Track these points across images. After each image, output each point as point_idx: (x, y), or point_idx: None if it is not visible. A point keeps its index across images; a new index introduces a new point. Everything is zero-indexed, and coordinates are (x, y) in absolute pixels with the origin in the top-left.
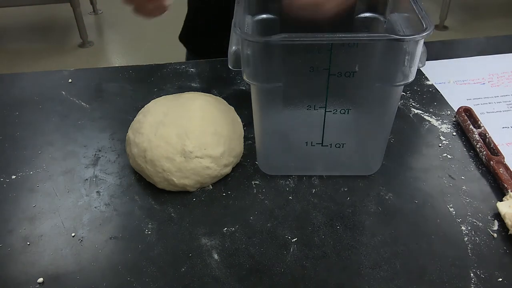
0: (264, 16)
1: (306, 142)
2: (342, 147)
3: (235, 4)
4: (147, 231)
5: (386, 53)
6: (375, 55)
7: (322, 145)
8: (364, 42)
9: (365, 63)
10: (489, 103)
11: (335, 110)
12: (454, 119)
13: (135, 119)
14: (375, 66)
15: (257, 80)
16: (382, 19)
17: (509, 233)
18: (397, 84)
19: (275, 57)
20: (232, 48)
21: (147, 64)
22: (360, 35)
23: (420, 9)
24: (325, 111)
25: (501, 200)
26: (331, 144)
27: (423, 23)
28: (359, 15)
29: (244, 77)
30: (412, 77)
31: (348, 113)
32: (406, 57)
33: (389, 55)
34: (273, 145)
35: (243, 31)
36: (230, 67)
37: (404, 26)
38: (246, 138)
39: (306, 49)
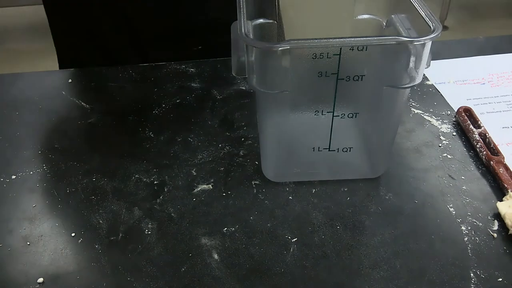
0: (261, 20)
1: (313, 148)
2: (349, 151)
3: (237, 10)
4: (147, 231)
5: (394, 56)
6: (384, 58)
7: (329, 150)
8: (374, 45)
9: (374, 66)
10: (489, 103)
11: (342, 115)
12: (454, 119)
13: None
14: (383, 68)
15: (263, 87)
16: (381, 20)
17: (509, 233)
18: (405, 86)
19: (282, 63)
20: (236, 55)
21: (147, 64)
22: (370, 38)
23: (426, 10)
24: (333, 116)
25: (501, 200)
26: (338, 149)
27: (431, 24)
28: (358, 17)
29: (249, 84)
30: (419, 79)
31: (355, 117)
32: (414, 59)
33: (397, 57)
34: (279, 152)
35: (248, 37)
36: (234, 74)
37: (406, 27)
38: (246, 137)
39: (315, 54)
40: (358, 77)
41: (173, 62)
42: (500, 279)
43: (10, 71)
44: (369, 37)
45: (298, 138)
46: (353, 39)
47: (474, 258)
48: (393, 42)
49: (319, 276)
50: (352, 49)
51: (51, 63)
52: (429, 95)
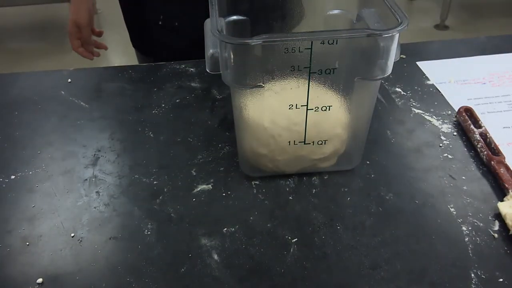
0: (234, 17)
1: (289, 142)
2: (324, 143)
3: (209, 7)
4: (147, 232)
5: (364, 49)
6: (354, 51)
7: (304, 143)
8: (344, 38)
9: (344, 60)
10: (490, 103)
11: (316, 108)
12: (455, 119)
13: None
14: (353, 62)
15: (237, 83)
16: (351, 15)
17: (510, 233)
18: (375, 78)
19: (255, 58)
20: (209, 51)
21: (147, 64)
22: (339, 31)
23: (393, 4)
24: (307, 109)
25: (501, 200)
26: (313, 142)
27: (398, 17)
28: (328, 12)
29: (224, 80)
30: (389, 71)
31: (329, 110)
32: (383, 52)
33: (367, 50)
34: (255, 146)
35: (221, 33)
36: (208, 70)
37: (375, 21)
38: None
39: (287, 49)
40: (330, 71)
41: (173, 62)
42: (501, 280)
43: (10, 71)
44: (338, 31)
45: (274, 132)
46: (323, 33)
47: (474, 259)
48: (362, 35)
49: (319, 276)
50: (323, 43)
51: (51, 63)
52: (430, 95)
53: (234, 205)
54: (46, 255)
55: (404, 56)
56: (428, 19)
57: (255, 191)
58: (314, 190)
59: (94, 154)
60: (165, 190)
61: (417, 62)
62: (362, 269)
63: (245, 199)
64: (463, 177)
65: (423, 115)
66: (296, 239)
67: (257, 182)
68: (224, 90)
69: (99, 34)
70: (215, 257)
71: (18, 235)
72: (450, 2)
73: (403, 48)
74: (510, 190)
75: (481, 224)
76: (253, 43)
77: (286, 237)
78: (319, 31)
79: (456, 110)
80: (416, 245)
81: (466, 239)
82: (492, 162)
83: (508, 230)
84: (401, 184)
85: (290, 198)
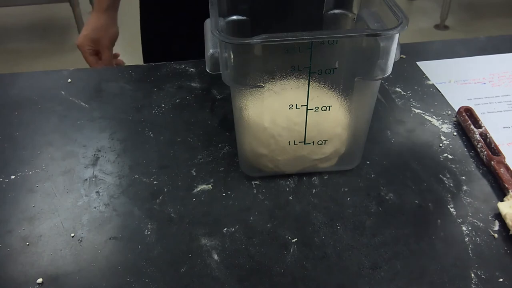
0: (234, 17)
1: (289, 142)
2: (324, 143)
3: (209, 6)
4: (147, 232)
5: (364, 49)
6: (354, 51)
7: (304, 143)
8: (344, 38)
9: (344, 60)
10: (490, 103)
11: (316, 108)
12: (455, 119)
13: None
14: (353, 62)
15: (237, 82)
16: (351, 15)
17: (510, 233)
18: (375, 78)
19: (255, 58)
20: (209, 51)
21: (147, 64)
22: (339, 31)
23: (393, 4)
24: (307, 109)
25: (501, 200)
26: (313, 142)
27: (398, 17)
28: (328, 12)
29: (224, 80)
30: (389, 71)
31: (329, 110)
32: (383, 52)
33: (367, 50)
34: (255, 146)
35: (221, 33)
36: (208, 71)
37: (375, 21)
38: None
39: (287, 49)
40: (330, 71)
41: (173, 62)
42: (501, 280)
43: (10, 71)
44: (338, 31)
45: (274, 132)
46: (323, 33)
47: (475, 259)
48: (362, 35)
49: (319, 276)
50: (323, 43)
51: (51, 63)
52: (430, 95)
53: (234, 205)
54: (46, 255)
55: (404, 56)
56: (428, 19)
57: (255, 191)
58: (314, 190)
59: (94, 154)
60: (165, 190)
61: (417, 62)
62: (362, 269)
63: (245, 199)
64: (463, 177)
65: (423, 115)
66: (296, 239)
67: (257, 182)
68: (224, 90)
69: (116, 57)
70: (215, 257)
71: (18, 235)
72: (450, 2)
73: (403, 48)
74: (510, 190)
75: (481, 224)
76: (253, 43)
77: (286, 237)
78: (319, 31)
79: (456, 110)
80: (416, 245)
81: (466, 239)
82: (492, 162)
83: (508, 230)
84: (401, 184)
85: (290, 198)
